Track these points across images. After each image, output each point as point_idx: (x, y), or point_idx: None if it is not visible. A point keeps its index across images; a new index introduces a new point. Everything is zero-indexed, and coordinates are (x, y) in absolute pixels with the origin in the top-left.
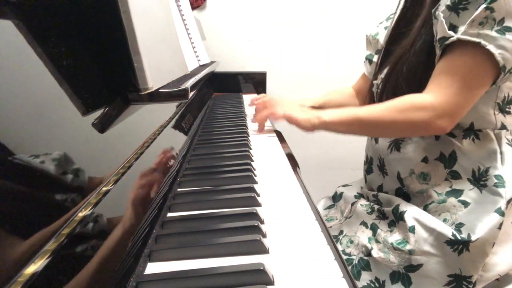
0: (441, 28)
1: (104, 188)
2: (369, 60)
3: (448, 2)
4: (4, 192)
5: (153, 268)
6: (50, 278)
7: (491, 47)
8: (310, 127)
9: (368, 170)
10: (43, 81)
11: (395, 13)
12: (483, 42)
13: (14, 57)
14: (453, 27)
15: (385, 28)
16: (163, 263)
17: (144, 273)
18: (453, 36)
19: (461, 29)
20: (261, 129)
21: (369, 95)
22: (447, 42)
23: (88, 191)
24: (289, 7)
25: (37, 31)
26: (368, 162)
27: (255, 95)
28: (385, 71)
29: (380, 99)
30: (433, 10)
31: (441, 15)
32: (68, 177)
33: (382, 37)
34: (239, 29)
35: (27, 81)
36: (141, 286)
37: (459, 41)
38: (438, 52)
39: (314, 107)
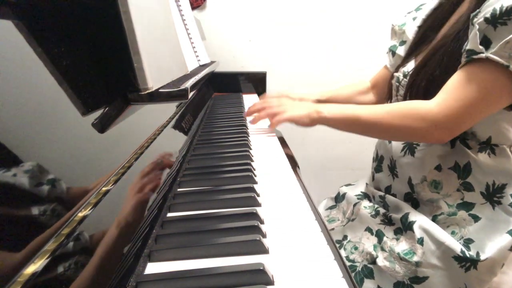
0: (473, 39)
1: (104, 188)
2: (392, 51)
3: (488, 15)
4: (4, 191)
5: (153, 268)
6: (50, 278)
7: None
8: (309, 122)
9: (377, 169)
10: (43, 81)
11: (424, 4)
12: None
13: (14, 57)
14: (486, 41)
15: (414, 18)
16: (163, 263)
17: (144, 273)
18: (483, 53)
19: (494, 46)
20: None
21: (388, 88)
22: (475, 56)
23: (88, 192)
24: (289, 7)
25: (37, 31)
26: (378, 160)
27: (255, 96)
28: (408, 64)
29: (407, 92)
30: (472, 14)
31: (477, 26)
32: (67, 177)
33: (409, 28)
34: (239, 29)
35: (27, 81)
36: (141, 286)
37: (487, 59)
38: (463, 60)
39: (320, 101)
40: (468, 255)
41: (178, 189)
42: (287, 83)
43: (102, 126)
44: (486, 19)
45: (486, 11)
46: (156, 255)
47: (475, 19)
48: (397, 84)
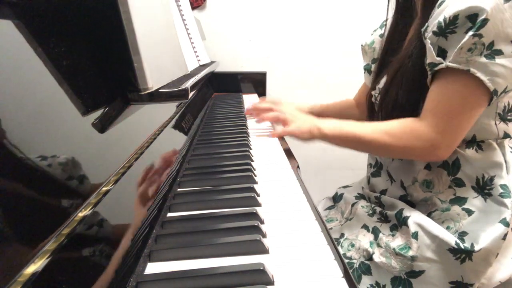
0: (430, 53)
1: (104, 188)
2: (367, 70)
3: (435, 28)
4: (4, 192)
5: (153, 268)
6: (50, 278)
7: (480, 74)
8: (309, 138)
9: (375, 174)
10: (43, 81)
11: (387, 20)
12: (472, 69)
13: (14, 57)
14: (442, 51)
15: (380, 35)
16: (163, 263)
17: (144, 273)
18: (442, 63)
19: (450, 55)
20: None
21: (367, 106)
22: (436, 68)
23: (88, 192)
24: (289, 7)
25: (37, 31)
26: (378, 167)
27: (255, 96)
28: (382, 81)
29: (380, 112)
30: (422, 30)
31: (429, 41)
32: (68, 177)
33: (378, 45)
34: (239, 29)
35: (27, 81)
36: (141, 286)
37: (448, 68)
38: (429, 74)
39: (312, 113)
40: (462, 247)
41: (178, 189)
42: (287, 83)
43: (102, 126)
44: (434, 33)
45: (432, 24)
46: (156, 255)
47: (426, 34)
48: (376, 102)
